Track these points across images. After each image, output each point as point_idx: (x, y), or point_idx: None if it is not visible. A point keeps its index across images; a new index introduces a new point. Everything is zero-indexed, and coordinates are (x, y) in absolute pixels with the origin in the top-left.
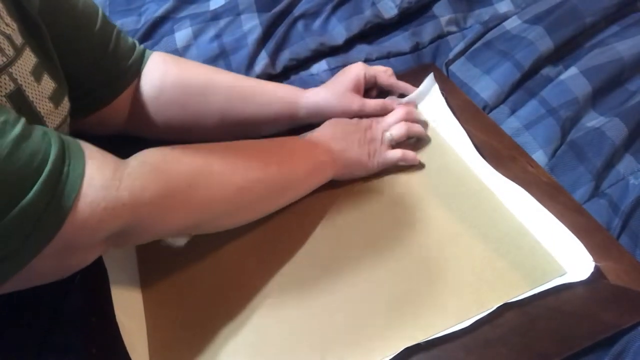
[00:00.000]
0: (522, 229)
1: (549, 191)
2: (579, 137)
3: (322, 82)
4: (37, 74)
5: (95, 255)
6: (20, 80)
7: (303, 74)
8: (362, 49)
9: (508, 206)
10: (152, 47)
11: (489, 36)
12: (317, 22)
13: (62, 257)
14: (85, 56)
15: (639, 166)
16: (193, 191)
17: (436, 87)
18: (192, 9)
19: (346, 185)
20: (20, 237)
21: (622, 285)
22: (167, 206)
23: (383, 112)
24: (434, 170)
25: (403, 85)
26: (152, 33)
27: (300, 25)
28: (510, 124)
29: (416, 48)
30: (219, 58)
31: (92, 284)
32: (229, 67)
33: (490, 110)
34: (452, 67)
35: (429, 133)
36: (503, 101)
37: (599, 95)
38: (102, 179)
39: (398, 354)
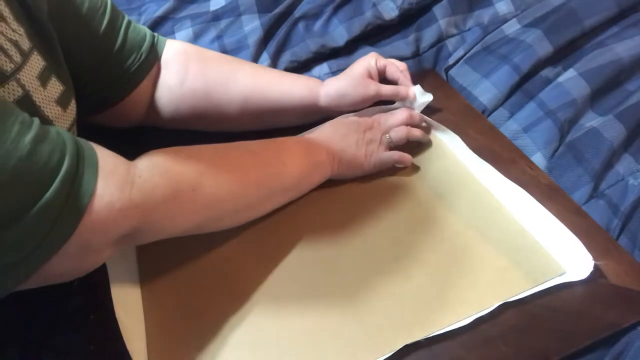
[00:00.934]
0: (521, 229)
1: (549, 193)
2: (578, 138)
3: None
4: (43, 78)
5: (108, 256)
6: (28, 86)
7: None
8: (364, 52)
9: (507, 206)
10: None
11: (488, 40)
12: (318, 24)
13: (77, 257)
14: (94, 53)
15: (638, 166)
16: (199, 192)
17: (428, 98)
18: (192, 9)
19: (345, 185)
20: (39, 235)
21: (622, 285)
22: (175, 207)
23: (397, 97)
24: (434, 172)
25: (408, 84)
26: None
27: (301, 26)
28: (509, 127)
29: (417, 53)
30: None
31: (92, 281)
32: None
33: (490, 114)
34: (452, 72)
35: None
36: (502, 104)
37: (597, 96)
38: (116, 180)
39: (398, 351)
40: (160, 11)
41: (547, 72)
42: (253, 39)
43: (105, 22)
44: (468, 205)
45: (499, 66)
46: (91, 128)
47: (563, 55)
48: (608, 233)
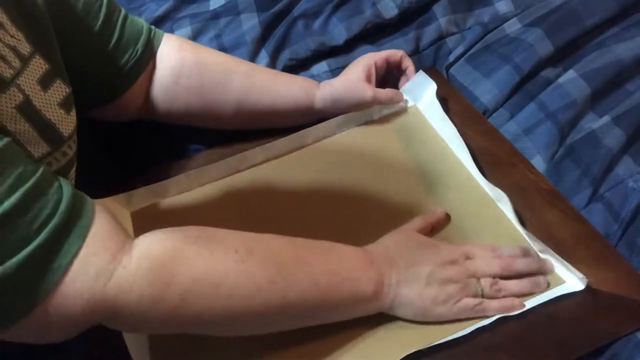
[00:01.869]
0: (521, 241)
1: (549, 198)
2: (577, 140)
3: None
4: (46, 82)
5: (79, 330)
6: (28, 91)
7: (303, 74)
8: (363, 50)
9: (510, 217)
10: None
11: (488, 39)
12: (318, 22)
13: (39, 331)
14: (89, 50)
15: (638, 169)
16: (188, 304)
17: (433, 87)
18: (192, 9)
19: (345, 184)
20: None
21: (620, 294)
22: (153, 313)
23: (392, 102)
24: (440, 186)
25: (412, 68)
26: None
27: (300, 24)
28: (509, 129)
29: (417, 51)
30: None
31: None
32: None
33: (490, 115)
34: (452, 70)
35: (429, 136)
36: (502, 104)
37: (597, 97)
38: (95, 264)
39: None
40: (160, 11)
41: (547, 72)
42: (252, 37)
43: (101, 17)
44: (470, 215)
45: (500, 66)
46: (85, 122)
47: (563, 55)
48: (607, 240)
